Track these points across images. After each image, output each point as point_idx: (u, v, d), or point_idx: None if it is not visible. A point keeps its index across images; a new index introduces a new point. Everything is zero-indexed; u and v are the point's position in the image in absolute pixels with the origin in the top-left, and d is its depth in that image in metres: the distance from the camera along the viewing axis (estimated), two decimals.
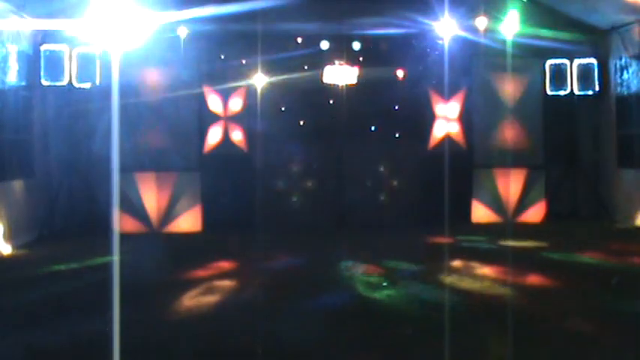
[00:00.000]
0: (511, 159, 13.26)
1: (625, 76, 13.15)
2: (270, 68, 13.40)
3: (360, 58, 13.62)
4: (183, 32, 12.62)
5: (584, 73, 13.77)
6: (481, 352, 5.61)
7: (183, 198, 13.08)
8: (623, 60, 13.17)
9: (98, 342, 5.37)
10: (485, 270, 9.09)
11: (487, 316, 6.77)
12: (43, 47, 12.16)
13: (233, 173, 13.29)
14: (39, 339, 5.98)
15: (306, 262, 10.00)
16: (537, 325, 6.40)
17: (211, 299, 7.55)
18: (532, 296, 7.67)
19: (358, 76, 13.52)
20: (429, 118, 13.92)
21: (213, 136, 13.45)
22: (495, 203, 13.83)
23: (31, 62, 11.93)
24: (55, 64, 12.14)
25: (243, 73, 13.44)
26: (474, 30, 12.93)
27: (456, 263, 9.52)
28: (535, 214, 13.90)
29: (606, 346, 5.70)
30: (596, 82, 13.74)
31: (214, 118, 13.45)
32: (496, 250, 10.91)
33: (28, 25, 11.59)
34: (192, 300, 7.49)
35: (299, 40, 13.59)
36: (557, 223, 13.44)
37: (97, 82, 12.38)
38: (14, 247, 10.83)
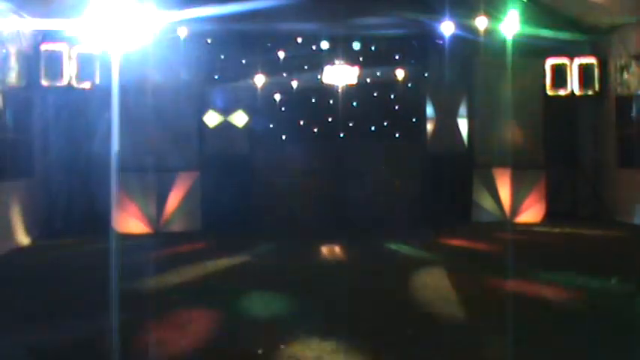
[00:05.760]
0: (511, 159, 13.26)
1: (625, 76, 13.15)
2: (270, 68, 13.41)
3: (360, 58, 13.62)
4: (183, 32, 12.62)
5: (584, 73, 13.78)
6: None
7: (183, 198, 13.07)
8: (623, 60, 13.17)
9: (95, 341, 5.37)
10: None
11: None
12: (42, 47, 12.16)
13: (233, 173, 13.29)
14: (33, 339, 5.96)
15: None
16: None
17: (211, 299, 7.53)
18: None
19: (358, 76, 13.53)
20: (429, 118, 13.92)
21: (213, 136, 13.45)
22: (495, 203, 13.82)
23: (31, 62, 11.92)
24: (54, 64, 12.12)
25: (243, 73, 13.45)
26: (473, 30, 12.93)
27: None
28: (535, 214, 13.90)
29: None
30: (596, 82, 13.76)
31: (214, 118, 13.45)
32: None
33: (28, 25, 11.59)
34: (191, 300, 7.49)
35: (299, 40, 13.59)
36: (554, 223, 13.41)
37: (97, 82, 12.38)
38: (14, 246, 10.83)
